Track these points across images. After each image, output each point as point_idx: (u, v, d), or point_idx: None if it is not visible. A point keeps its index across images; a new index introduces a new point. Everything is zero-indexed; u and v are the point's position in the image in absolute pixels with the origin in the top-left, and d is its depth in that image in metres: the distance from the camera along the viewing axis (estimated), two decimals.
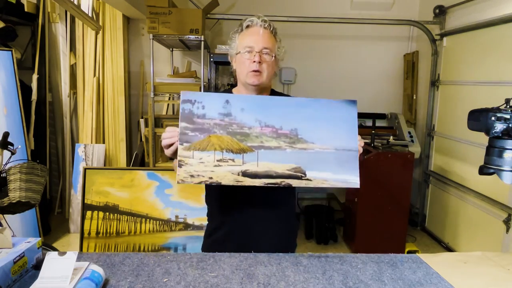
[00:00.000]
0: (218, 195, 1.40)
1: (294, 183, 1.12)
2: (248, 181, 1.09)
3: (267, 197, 1.34)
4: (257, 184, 1.09)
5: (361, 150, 1.19)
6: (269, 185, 1.11)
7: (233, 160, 1.11)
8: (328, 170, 1.14)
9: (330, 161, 1.14)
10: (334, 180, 1.13)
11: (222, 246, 1.26)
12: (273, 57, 1.30)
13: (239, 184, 1.09)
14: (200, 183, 1.08)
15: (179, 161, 1.08)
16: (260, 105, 1.16)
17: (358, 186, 1.13)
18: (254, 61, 1.27)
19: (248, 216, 1.36)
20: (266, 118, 1.15)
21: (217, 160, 1.10)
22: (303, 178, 1.12)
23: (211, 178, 1.09)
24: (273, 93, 1.43)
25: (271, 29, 1.31)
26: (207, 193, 1.46)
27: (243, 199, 1.33)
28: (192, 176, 1.08)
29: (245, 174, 1.10)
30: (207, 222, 1.48)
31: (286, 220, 1.43)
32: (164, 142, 1.15)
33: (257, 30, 1.29)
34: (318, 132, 1.16)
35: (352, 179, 1.14)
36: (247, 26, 1.31)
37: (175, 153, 1.13)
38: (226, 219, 1.39)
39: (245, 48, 1.29)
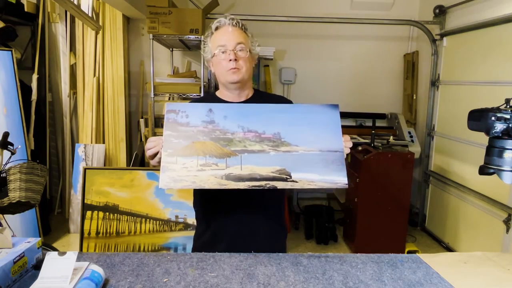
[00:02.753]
0: (201, 200, 1.41)
1: (280, 185, 1.10)
2: (232, 184, 1.09)
3: (253, 199, 1.34)
4: (241, 187, 1.09)
5: (348, 151, 1.17)
6: (253, 187, 1.09)
7: (216, 165, 1.11)
8: (314, 172, 1.12)
9: (316, 163, 1.13)
10: (321, 181, 1.11)
11: (211, 248, 1.26)
12: (248, 52, 1.30)
13: (223, 187, 1.08)
14: (183, 187, 1.09)
15: (162, 166, 1.09)
16: (242, 113, 1.18)
17: (347, 186, 1.11)
18: (230, 60, 1.27)
19: (234, 218, 1.35)
20: (249, 124, 1.17)
21: (200, 165, 1.10)
22: (288, 180, 1.11)
23: (194, 182, 1.08)
24: (258, 93, 1.42)
25: (240, 25, 1.31)
26: (194, 197, 1.47)
27: (227, 202, 1.33)
28: (175, 181, 1.08)
29: (228, 177, 1.10)
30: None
31: (274, 220, 1.43)
32: (149, 152, 1.17)
33: (227, 29, 1.29)
34: (301, 135, 1.16)
35: (339, 180, 1.12)
36: (217, 28, 1.31)
37: (160, 161, 1.13)
38: (211, 222, 1.39)
39: (219, 48, 1.29)
